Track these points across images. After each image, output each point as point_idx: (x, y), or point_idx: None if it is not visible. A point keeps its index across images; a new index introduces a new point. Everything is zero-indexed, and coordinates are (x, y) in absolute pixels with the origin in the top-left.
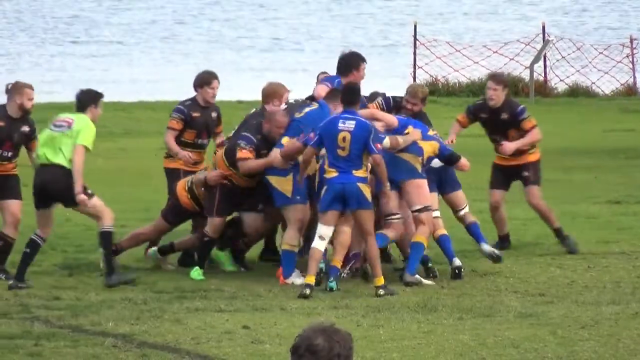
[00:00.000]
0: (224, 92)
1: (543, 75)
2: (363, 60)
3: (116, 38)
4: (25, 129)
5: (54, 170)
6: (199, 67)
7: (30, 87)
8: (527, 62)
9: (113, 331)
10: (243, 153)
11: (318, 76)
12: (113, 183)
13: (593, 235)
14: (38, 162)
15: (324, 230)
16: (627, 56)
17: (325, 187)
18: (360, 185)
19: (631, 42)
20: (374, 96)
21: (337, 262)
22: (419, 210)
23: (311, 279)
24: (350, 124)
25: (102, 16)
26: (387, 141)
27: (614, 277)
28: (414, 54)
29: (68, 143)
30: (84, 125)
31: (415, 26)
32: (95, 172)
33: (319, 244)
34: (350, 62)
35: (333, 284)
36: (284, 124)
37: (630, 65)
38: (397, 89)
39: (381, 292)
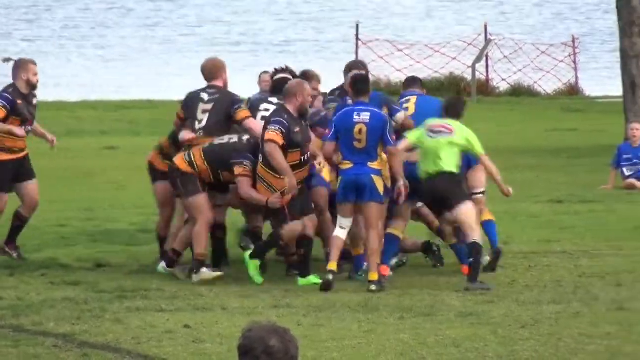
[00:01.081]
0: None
1: (485, 74)
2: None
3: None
4: (34, 103)
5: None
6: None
7: (34, 63)
8: (469, 61)
9: (54, 331)
10: (271, 135)
11: (260, 75)
12: (55, 182)
13: (535, 234)
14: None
15: (343, 222)
16: (570, 55)
17: (339, 179)
18: (374, 177)
19: (573, 41)
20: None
21: (358, 250)
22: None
23: (333, 265)
24: (366, 116)
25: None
26: (400, 115)
27: (555, 276)
28: (356, 53)
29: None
30: (468, 133)
31: (357, 25)
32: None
33: (340, 233)
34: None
35: (362, 275)
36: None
37: (573, 65)
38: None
39: (373, 287)
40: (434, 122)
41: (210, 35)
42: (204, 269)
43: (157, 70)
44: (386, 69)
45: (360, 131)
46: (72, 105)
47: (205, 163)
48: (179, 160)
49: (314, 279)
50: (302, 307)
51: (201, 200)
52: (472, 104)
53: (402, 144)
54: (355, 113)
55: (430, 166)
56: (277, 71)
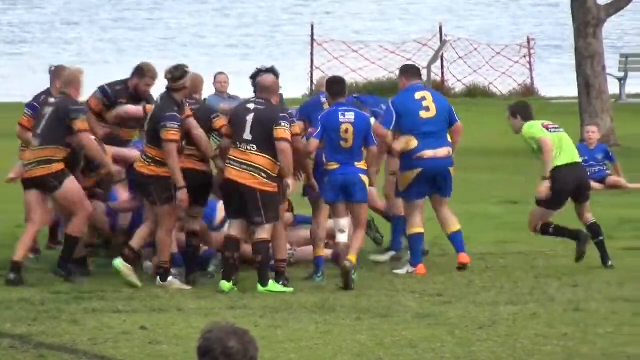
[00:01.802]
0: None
1: (440, 75)
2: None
3: None
4: None
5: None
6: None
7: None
8: (424, 62)
9: (10, 332)
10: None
11: (216, 76)
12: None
13: (491, 235)
14: None
15: (341, 223)
16: (525, 56)
17: (326, 180)
18: (362, 176)
19: (528, 42)
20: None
21: (321, 252)
22: None
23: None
24: (351, 116)
25: None
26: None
27: (512, 277)
28: (312, 54)
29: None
30: None
31: (312, 26)
32: None
33: (342, 237)
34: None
35: (319, 278)
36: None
37: (528, 66)
38: (294, 90)
39: (348, 264)
40: (540, 122)
41: (161, 35)
42: (170, 278)
43: None
44: (341, 70)
45: (346, 131)
46: None
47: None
48: (151, 166)
49: (274, 286)
50: (258, 308)
51: (172, 208)
52: None
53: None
54: (340, 113)
55: (569, 157)
56: (260, 72)
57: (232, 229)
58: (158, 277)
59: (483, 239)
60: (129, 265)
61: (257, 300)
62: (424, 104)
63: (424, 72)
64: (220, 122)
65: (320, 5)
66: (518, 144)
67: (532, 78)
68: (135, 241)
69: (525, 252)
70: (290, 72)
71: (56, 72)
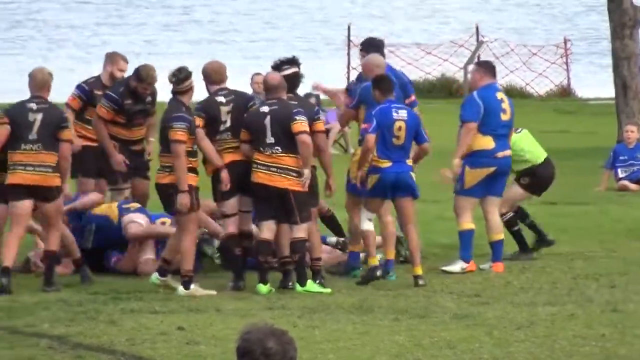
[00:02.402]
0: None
1: None
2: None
3: None
4: None
5: None
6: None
7: (124, 60)
8: (460, 63)
9: (48, 332)
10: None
11: (253, 77)
12: None
13: (528, 236)
14: None
15: (370, 215)
16: (561, 57)
17: (377, 176)
18: (412, 174)
19: (565, 43)
20: (307, 97)
21: (391, 254)
22: None
23: (375, 260)
24: (403, 113)
25: None
26: None
27: (550, 278)
28: (348, 55)
29: None
30: None
31: (349, 27)
32: None
33: (370, 226)
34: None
35: (393, 276)
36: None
37: (565, 67)
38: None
39: (420, 282)
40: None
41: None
42: (193, 286)
43: None
44: None
45: (399, 128)
46: None
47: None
48: (172, 174)
49: (312, 286)
50: (296, 308)
51: (195, 216)
52: None
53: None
54: (394, 110)
55: (542, 153)
56: (282, 63)
57: (264, 231)
58: (181, 286)
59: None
60: (164, 278)
61: (295, 301)
62: (503, 105)
63: (460, 73)
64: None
65: (356, 6)
66: (554, 145)
67: (568, 79)
68: (168, 252)
69: (563, 253)
70: (328, 73)
71: (110, 58)
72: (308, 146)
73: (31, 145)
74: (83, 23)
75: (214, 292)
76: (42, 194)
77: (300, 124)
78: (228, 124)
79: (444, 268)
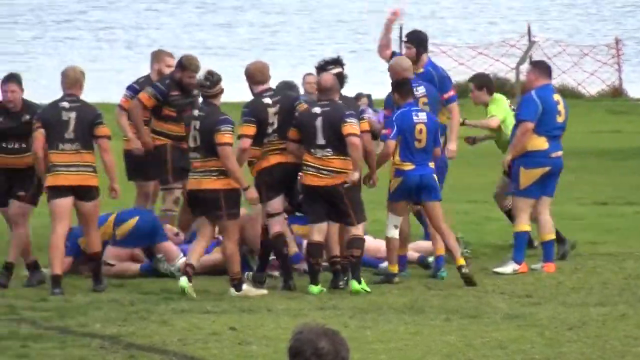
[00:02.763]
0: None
1: None
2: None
3: None
4: None
5: None
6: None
7: (170, 55)
8: (512, 63)
9: (100, 332)
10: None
11: (305, 77)
12: None
13: (580, 236)
14: None
15: (396, 220)
16: (613, 57)
17: (400, 179)
18: (435, 176)
19: (617, 43)
20: (358, 97)
21: (441, 250)
22: None
23: (395, 268)
24: (423, 116)
25: None
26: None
27: (602, 278)
28: (400, 54)
29: None
30: None
31: (400, 28)
32: None
33: (394, 234)
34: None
35: (444, 273)
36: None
37: (617, 67)
38: (382, 91)
39: (464, 270)
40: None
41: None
42: (245, 286)
43: None
44: None
45: (420, 131)
46: None
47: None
48: (220, 179)
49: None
50: (348, 308)
51: (237, 222)
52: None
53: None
54: (414, 113)
55: None
56: (327, 63)
57: (315, 234)
58: (233, 289)
59: (572, 240)
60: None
61: (346, 301)
62: (559, 107)
63: (512, 73)
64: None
65: (404, 6)
66: (606, 145)
67: (620, 79)
68: (193, 257)
69: (614, 253)
70: (380, 74)
71: (156, 56)
72: (358, 148)
73: (70, 145)
74: (134, 22)
75: (265, 292)
76: (81, 193)
77: (351, 126)
78: (275, 125)
79: (496, 270)
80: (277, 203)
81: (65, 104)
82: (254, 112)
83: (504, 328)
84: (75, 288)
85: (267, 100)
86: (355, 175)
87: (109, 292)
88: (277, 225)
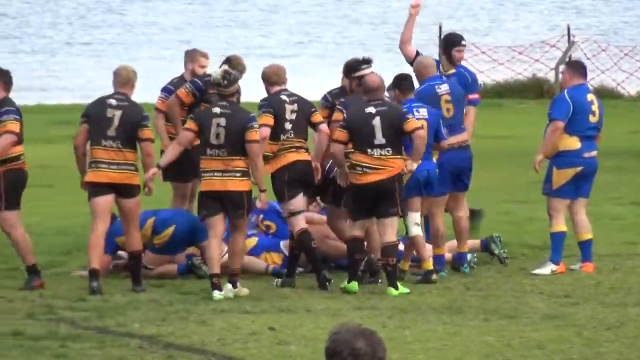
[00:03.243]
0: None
1: None
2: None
3: None
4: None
5: None
6: None
7: (204, 55)
8: (551, 63)
9: (139, 332)
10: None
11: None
12: None
13: (618, 236)
14: None
15: (416, 217)
16: None
17: (409, 175)
18: (437, 170)
19: None
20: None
21: (465, 247)
22: None
23: (429, 265)
24: (424, 112)
25: None
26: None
27: None
28: (439, 55)
29: None
30: None
31: (440, 27)
32: None
33: (417, 231)
34: None
35: (467, 269)
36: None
37: None
38: None
39: (433, 277)
40: None
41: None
42: (238, 285)
43: None
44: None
45: (422, 126)
46: None
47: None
48: (244, 179)
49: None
50: (386, 309)
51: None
52: None
53: None
54: (415, 110)
55: None
56: (359, 63)
57: (357, 229)
58: (230, 284)
59: (610, 240)
60: (222, 291)
61: (385, 301)
62: (592, 107)
63: (552, 74)
64: (319, 116)
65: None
66: None
67: None
68: (216, 267)
69: None
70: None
71: (190, 56)
72: (423, 140)
73: (111, 142)
74: (174, 23)
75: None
76: (123, 191)
77: (413, 120)
78: (292, 122)
79: (534, 271)
80: (298, 201)
81: (113, 102)
82: (271, 104)
83: (543, 328)
84: (114, 288)
85: (284, 97)
86: (415, 165)
87: (148, 292)
88: (301, 222)
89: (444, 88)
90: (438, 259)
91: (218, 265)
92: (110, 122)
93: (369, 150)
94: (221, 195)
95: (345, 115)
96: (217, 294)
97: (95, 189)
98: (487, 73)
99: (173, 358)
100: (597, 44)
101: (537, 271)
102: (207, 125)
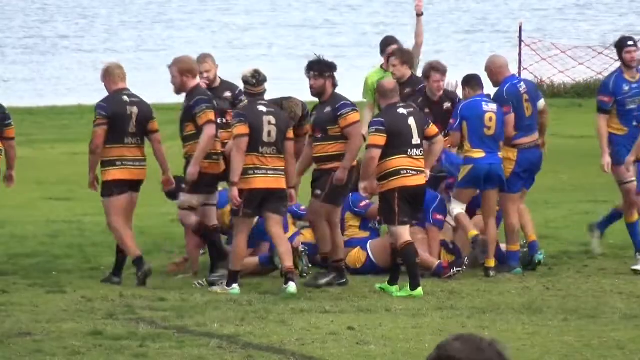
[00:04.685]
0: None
1: None
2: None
3: None
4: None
5: None
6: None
7: (202, 60)
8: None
9: (218, 332)
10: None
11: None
12: None
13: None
14: None
15: (460, 207)
16: None
17: (471, 166)
18: (502, 166)
19: None
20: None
21: (516, 246)
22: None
23: (474, 232)
24: (493, 106)
25: None
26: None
27: None
28: (519, 54)
29: None
30: None
31: (520, 26)
32: None
33: (462, 209)
34: None
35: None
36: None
37: None
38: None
39: (491, 273)
40: None
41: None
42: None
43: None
44: (550, 71)
45: (490, 119)
46: None
47: None
48: (281, 178)
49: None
50: (466, 309)
51: None
52: None
53: None
54: (484, 103)
55: None
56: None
57: (408, 234)
58: (224, 283)
59: None
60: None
61: (465, 301)
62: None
63: None
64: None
65: (524, 4)
66: None
67: None
68: (288, 260)
69: None
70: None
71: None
72: (442, 145)
73: (131, 139)
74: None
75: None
76: (137, 186)
77: (434, 125)
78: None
79: (634, 267)
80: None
81: (127, 98)
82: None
83: (622, 328)
84: (193, 288)
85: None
86: (428, 172)
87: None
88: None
89: (523, 87)
90: (513, 254)
91: (290, 258)
92: (130, 120)
93: (408, 151)
94: (273, 193)
95: (382, 120)
96: (292, 286)
97: (120, 187)
98: (567, 73)
99: (252, 357)
100: None
101: (636, 267)
102: (259, 124)
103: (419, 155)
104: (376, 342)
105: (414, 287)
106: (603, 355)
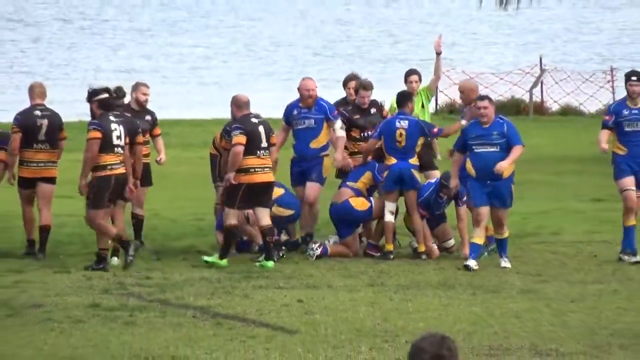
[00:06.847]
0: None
1: (540, 97)
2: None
3: None
4: (146, 119)
5: None
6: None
7: (145, 85)
8: (527, 87)
9: (193, 304)
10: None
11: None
12: (192, 183)
13: (580, 227)
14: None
15: (391, 207)
16: (608, 82)
17: (387, 173)
18: (413, 170)
19: (611, 71)
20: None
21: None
22: None
23: (391, 246)
24: (404, 123)
25: None
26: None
27: (598, 261)
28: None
29: None
30: None
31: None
32: None
33: (391, 218)
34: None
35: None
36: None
37: (611, 90)
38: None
39: (423, 257)
40: None
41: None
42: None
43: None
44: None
45: (400, 134)
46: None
47: None
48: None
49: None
50: (393, 285)
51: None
52: (530, 122)
53: None
54: (397, 120)
55: None
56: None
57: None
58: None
59: (574, 230)
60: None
61: (392, 279)
62: None
63: (526, 95)
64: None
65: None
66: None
67: (614, 99)
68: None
69: (609, 240)
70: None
71: (133, 87)
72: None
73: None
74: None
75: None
76: (48, 182)
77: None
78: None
79: (633, 260)
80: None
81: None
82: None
83: (519, 301)
84: (173, 268)
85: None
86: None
87: (200, 271)
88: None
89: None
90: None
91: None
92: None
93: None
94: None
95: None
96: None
97: (26, 183)
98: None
99: (220, 325)
100: (564, 71)
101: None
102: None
103: (266, 155)
104: (320, 312)
105: (221, 257)
106: (504, 322)
